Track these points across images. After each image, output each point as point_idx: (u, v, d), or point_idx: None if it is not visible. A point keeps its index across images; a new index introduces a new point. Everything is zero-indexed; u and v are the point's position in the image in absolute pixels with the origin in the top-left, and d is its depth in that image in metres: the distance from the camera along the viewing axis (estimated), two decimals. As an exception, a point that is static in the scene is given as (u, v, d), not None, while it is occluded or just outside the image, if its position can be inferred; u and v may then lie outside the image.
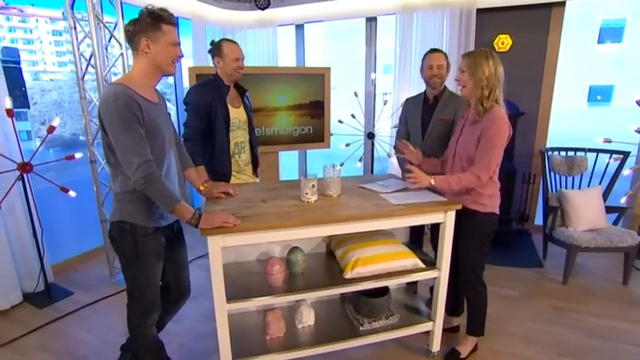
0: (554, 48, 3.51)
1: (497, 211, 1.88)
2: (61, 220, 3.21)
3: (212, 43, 2.27)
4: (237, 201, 1.85)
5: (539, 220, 3.62)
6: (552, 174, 3.20)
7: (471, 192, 1.82)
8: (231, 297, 1.65)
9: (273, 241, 1.89)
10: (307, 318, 1.94)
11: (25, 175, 2.43)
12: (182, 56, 1.57)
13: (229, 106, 2.29)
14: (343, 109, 4.10)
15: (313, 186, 1.82)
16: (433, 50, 2.28)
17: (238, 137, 2.39)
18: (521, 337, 2.23)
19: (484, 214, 1.84)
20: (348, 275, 1.76)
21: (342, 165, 4.21)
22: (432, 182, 1.75)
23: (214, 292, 1.58)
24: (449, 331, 2.21)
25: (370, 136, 4.17)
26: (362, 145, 4.26)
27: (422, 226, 2.40)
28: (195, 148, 2.19)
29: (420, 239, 2.40)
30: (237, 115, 2.36)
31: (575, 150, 3.21)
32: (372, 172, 4.35)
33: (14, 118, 2.40)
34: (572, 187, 3.15)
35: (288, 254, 1.86)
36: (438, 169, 2.04)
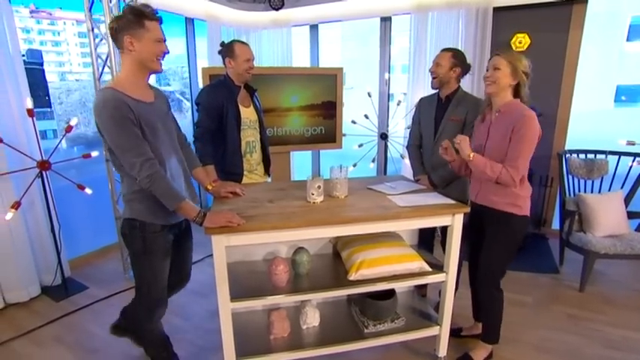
0: (575, 47, 3.39)
1: (529, 213, 1.82)
2: (78, 216, 3.33)
3: (222, 44, 2.29)
4: (244, 200, 1.86)
5: (557, 224, 3.51)
6: (570, 177, 3.10)
7: (508, 193, 1.76)
8: (235, 296, 1.67)
9: (277, 241, 1.90)
10: (312, 319, 1.94)
11: (44, 172, 2.52)
12: (167, 52, 1.54)
13: (240, 106, 2.32)
14: (360, 109, 4.09)
15: (319, 187, 1.81)
16: (443, 49, 2.25)
17: (249, 136, 2.41)
18: (533, 346, 2.16)
19: (520, 217, 1.78)
20: (352, 277, 1.75)
21: (354, 165, 4.20)
22: (471, 157, 1.72)
23: (218, 291, 1.59)
24: (478, 337, 2.13)
25: (383, 136, 4.13)
26: (375, 146, 4.23)
27: (432, 229, 2.36)
28: (206, 148, 2.22)
29: (430, 242, 2.36)
30: (247, 114, 2.38)
31: (596, 152, 3.10)
32: (384, 172, 4.31)
33: (34, 118, 2.49)
34: (592, 191, 3.05)
35: (293, 254, 1.86)
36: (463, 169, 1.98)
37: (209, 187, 1.92)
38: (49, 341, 2.23)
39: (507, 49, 1.80)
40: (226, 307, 1.62)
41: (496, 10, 3.39)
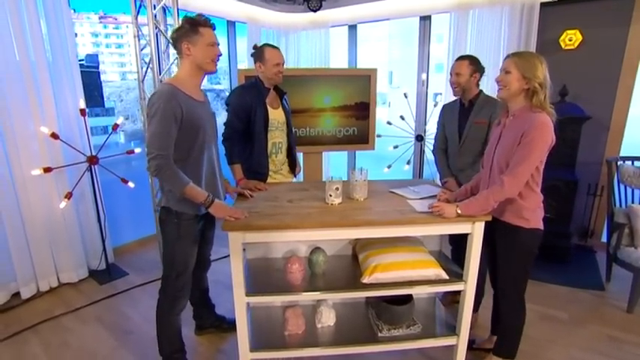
0: (637, 43, 3.08)
1: (541, 226, 1.72)
2: (123, 207, 3.60)
3: (255, 47, 2.37)
4: (264, 199, 1.93)
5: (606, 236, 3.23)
6: (622, 187, 2.83)
7: (512, 204, 1.68)
8: (252, 291, 1.74)
9: (292, 240, 1.93)
10: (327, 318, 1.96)
11: (92, 166, 2.77)
12: (221, 55, 1.72)
13: (268, 108, 2.38)
14: (404, 109, 4.06)
15: (337, 189, 1.83)
16: (457, 58, 2.29)
17: (276, 138, 2.47)
18: (563, 365, 2.02)
19: (528, 230, 1.69)
20: (365, 280, 1.74)
21: (389, 167, 4.15)
22: (459, 211, 1.63)
23: (234, 286, 1.66)
24: (489, 352, 2.06)
25: (419, 138, 4.04)
26: (412, 147, 4.14)
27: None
28: (234, 148, 2.32)
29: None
30: (275, 116, 2.44)
31: (655, 160, 2.81)
32: (420, 175, 4.21)
33: (86, 118, 2.74)
34: (648, 203, 2.76)
35: (310, 254, 1.89)
36: (469, 195, 1.89)
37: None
38: (91, 319, 2.46)
39: (522, 52, 1.68)
40: (241, 300, 1.69)
41: (543, 5, 3.18)
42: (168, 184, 1.63)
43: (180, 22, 1.66)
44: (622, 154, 3.17)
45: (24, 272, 2.60)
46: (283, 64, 2.33)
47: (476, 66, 2.22)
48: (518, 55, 1.62)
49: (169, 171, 1.58)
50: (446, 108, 2.49)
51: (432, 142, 3.97)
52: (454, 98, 2.42)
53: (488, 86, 3.13)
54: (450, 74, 2.28)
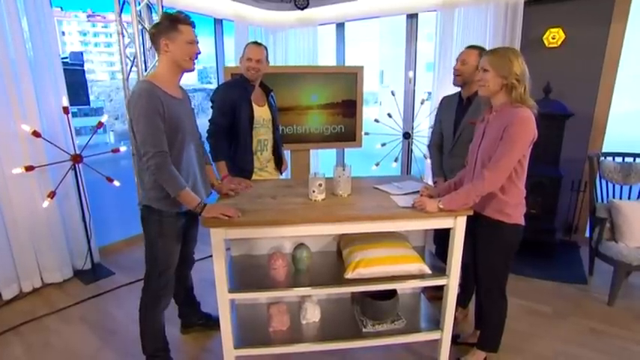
0: (618, 41, 3.14)
1: (522, 221, 1.74)
2: (109, 206, 3.56)
3: None
4: (248, 196, 1.93)
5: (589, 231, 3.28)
6: (604, 182, 2.88)
7: (494, 199, 1.69)
8: (236, 287, 1.73)
9: (274, 236, 1.93)
10: (312, 315, 1.96)
11: (76, 165, 2.73)
12: (199, 53, 1.71)
13: (254, 105, 2.38)
14: (394, 107, 4.08)
15: (320, 185, 1.83)
16: (468, 46, 2.17)
17: (261, 135, 2.47)
18: (545, 358, 2.05)
19: (510, 226, 1.71)
20: (348, 275, 1.74)
21: (377, 164, 4.16)
22: (441, 206, 1.64)
23: (217, 283, 1.65)
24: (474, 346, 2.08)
25: (406, 136, 4.06)
26: (399, 145, 4.17)
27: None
28: (219, 145, 2.31)
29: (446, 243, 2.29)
30: (261, 113, 2.43)
31: (635, 156, 2.85)
32: (408, 172, 4.24)
33: (69, 116, 2.70)
34: (629, 198, 2.82)
35: (293, 250, 1.89)
36: (452, 191, 1.92)
37: (215, 184, 2.01)
38: (75, 320, 2.43)
39: (496, 48, 1.68)
40: (224, 297, 1.68)
41: (527, 3, 3.22)
42: (165, 183, 1.59)
43: (160, 18, 1.65)
44: (604, 150, 3.23)
45: (5, 273, 2.56)
46: (258, 61, 2.27)
47: None
48: (493, 53, 1.64)
49: (169, 170, 1.57)
50: (444, 101, 2.37)
51: (420, 139, 4.04)
52: (442, 96, 2.35)
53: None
54: (456, 60, 2.15)
